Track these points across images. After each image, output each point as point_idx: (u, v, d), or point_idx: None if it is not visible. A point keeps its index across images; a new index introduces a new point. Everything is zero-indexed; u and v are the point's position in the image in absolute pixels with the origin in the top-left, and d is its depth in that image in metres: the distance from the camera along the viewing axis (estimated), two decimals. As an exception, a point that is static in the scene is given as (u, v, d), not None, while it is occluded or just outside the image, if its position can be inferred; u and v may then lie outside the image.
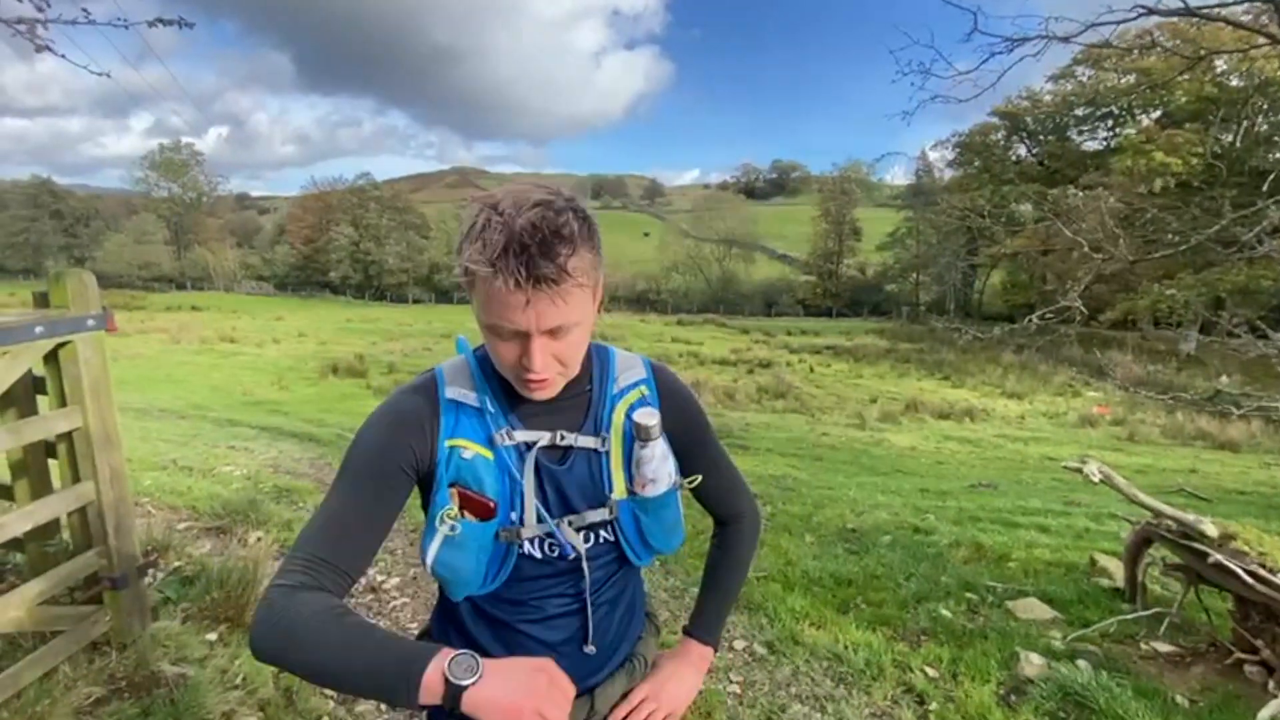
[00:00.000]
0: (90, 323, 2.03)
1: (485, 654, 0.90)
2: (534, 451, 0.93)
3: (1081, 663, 2.69)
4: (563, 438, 0.95)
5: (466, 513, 0.91)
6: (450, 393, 0.93)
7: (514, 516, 0.93)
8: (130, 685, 2.12)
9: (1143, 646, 2.94)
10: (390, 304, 50.86)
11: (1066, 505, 6.05)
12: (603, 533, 1.00)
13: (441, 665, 0.71)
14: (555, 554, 0.96)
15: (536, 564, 0.97)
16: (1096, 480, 2.95)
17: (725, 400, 16.49)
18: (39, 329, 1.90)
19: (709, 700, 2.49)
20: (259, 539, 3.56)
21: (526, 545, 0.95)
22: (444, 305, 50.31)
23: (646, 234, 65.47)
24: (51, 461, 2.34)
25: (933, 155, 44.30)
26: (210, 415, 9.72)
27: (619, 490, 0.98)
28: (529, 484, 0.92)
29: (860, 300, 46.76)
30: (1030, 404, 17.96)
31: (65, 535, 2.46)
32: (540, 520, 0.93)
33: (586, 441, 0.96)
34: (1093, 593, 3.52)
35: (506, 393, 0.95)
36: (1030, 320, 4.95)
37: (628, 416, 0.98)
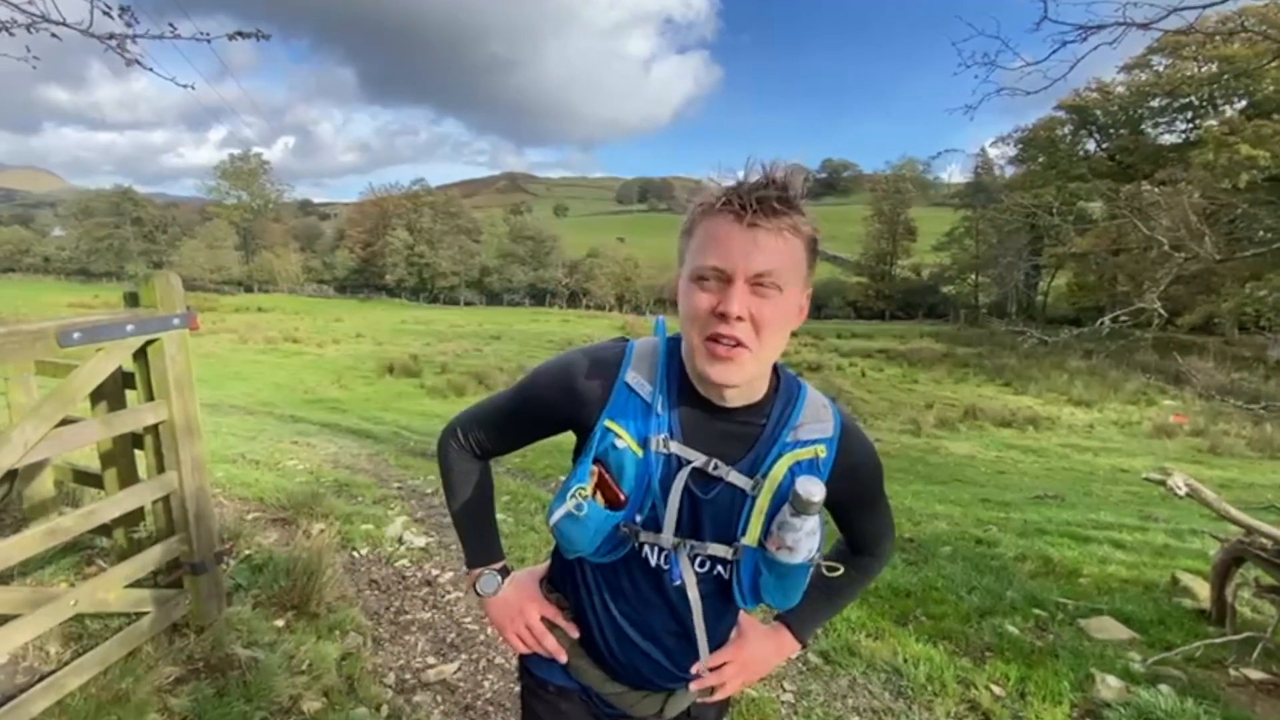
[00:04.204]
0: (176, 321, 2.15)
1: (594, 610, 1.06)
2: (685, 472, 0.91)
3: (1164, 688, 2.53)
4: (716, 468, 0.91)
5: (599, 493, 0.93)
6: (630, 377, 0.94)
7: (639, 518, 0.94)
8: (207, 666, 2.22)
9: (1232, 673, 2.74)
10: (443, 306, 52.31)
11: (1143, 520, 5.70)
12: (719, 568, 0.97)
13: (476, 576, 1.11)
14: (668, 568, 0.97)
15: (647, 567, 0.98)
16: (1182, 493, 2.76)
17: (774, 404, 16.25)
18: (130, 327, 2.02)
19: (762, 708, 2.44)
20: (321, 530, 3.69)
21: (645, 549, 0.97)
22: (495, 307, 51.42)
23: (694, 236, 65.07)
24: (136, 452, 2.48)
25: (993, 152, 42.68)
26: (275, 412, 10.18)
27: (751, 537, 0.94)
28: (673, 504, 0.92)
29: (915, 303, 45.39)
30: (1100, 412, 17.04)
31: (149, 522, 2.60)
32: (666, 536, 0.94)
33: (738, 480, 0.92)
34: (1175, 614, 3.30)
35: (682, 394, 0.93)
36: (1103, 322, 4.69)
37: (790, 472, 0.92)
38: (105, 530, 2.53)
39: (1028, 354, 24.23)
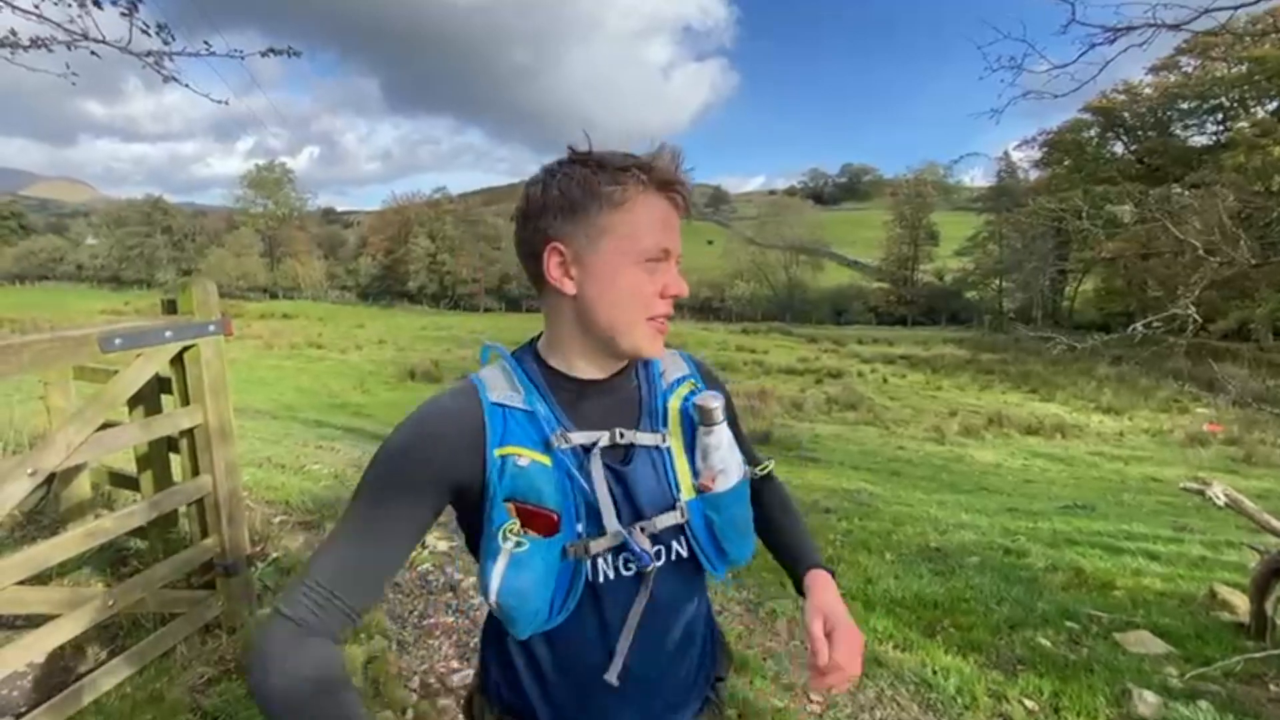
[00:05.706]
0: (212, 328, 2.20)
1: (531, 711, 0.91)
2: (596, 452, 0.85)
3: (1203, 703, 2.45)
4: (622, 435, 0.88)
5: (529, 529, 0.82)
6: (495, 396, 0.85)
7: (579, 529, 0.84)
8: (239, 667, 2.26)
9: (1272, 688, 2.66)
10: (464, 312, 52.86)
11: (1177, 531, 5.55)
12: (675, 545, 0.91)
13: None
14: (630, 571, 0.87)
15: (609, 586, 0.87)
16: (1221, 503, 2.69)
17: (792, 410, 16.10)
18: (169, 333, 2.07)
19: (789, 719, 2.41)
20: (348, 535, 3.73)
21: (599, 563, 0.86)
22: (514, 314, 51.80)
23: (710, 242, 65.05)
24: (171, 455, 2.53)
25: (1016, 155, 42.17)
26: (299, 416, 10.34)
27: (687, 489, 0.91)
28: (601, 488, 0.84)
29: (937, 308, 44.87)
30: (1130, 420, 16.64)
31: (183, 524, 2.66)
32: (615, 529, 0.85)
33: (646, 439, 0.90)
34: (1213, 627, 3.21)
35: (554, 389, 0.89)
36: (1135, 328, 4.57)
37: (683, 408, 0.94)
38: (140, 532, 2.59)
39: (1054, 360, 23.74)
